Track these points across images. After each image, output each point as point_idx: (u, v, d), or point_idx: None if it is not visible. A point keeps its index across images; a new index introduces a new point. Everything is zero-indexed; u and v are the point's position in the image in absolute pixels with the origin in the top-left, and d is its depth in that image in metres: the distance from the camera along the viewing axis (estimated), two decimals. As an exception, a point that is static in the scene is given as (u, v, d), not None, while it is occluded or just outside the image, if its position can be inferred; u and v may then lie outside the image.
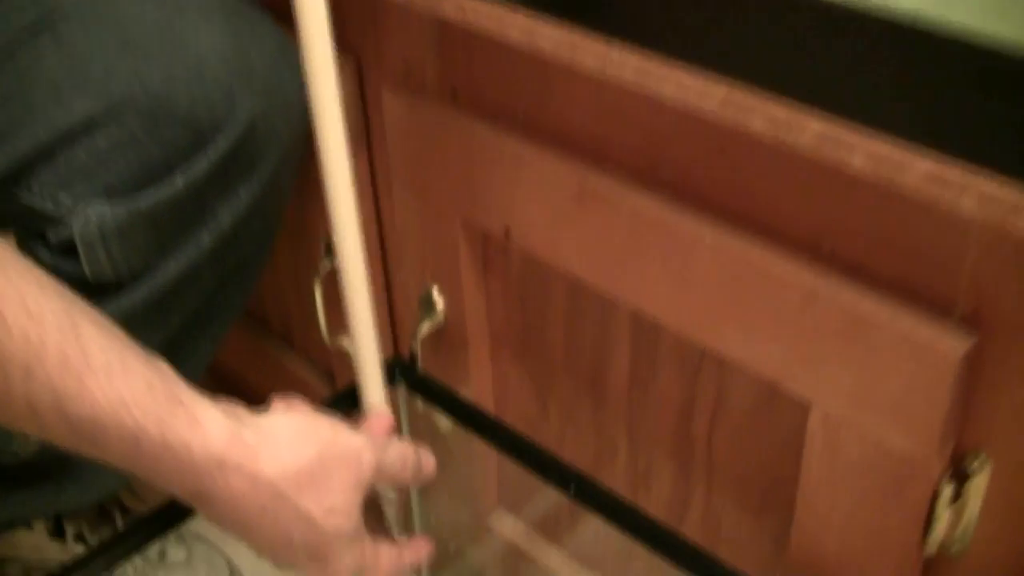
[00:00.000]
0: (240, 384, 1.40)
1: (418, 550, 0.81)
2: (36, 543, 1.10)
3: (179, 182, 0.78)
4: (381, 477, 0.71)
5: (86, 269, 0.78)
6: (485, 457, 0.99)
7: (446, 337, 0.93)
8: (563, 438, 0.91)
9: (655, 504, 0.86)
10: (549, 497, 0.97)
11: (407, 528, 1.08)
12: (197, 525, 1.07)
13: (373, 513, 0.75)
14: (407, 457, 0.75)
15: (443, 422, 0.97)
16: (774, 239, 0.66)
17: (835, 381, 0.66)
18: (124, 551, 0.82)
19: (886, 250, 0.62)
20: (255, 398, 1.42)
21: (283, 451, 0.64)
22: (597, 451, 0.89)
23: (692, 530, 0.85)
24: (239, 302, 0.94)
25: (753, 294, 0.67)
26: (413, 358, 0.92)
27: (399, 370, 0.93)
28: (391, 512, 0.94)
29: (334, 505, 0.66)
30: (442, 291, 0.91)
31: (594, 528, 0.95)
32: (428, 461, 0.78)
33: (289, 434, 0.66)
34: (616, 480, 0.88)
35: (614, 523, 0.81)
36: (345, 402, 0.88)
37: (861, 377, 0.64)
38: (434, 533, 1.09)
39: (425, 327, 0.92)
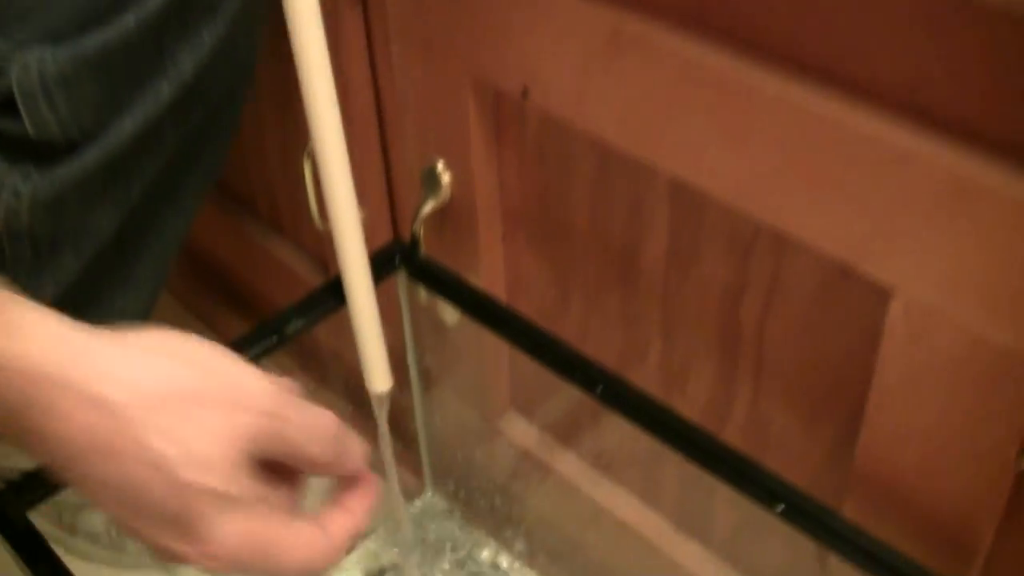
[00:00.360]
0: (224, 275, 1.29)
1: (355, 514, 0.56)
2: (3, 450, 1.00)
3: (131, 21, 0.66)
4: (277, 442, 0.50)
5: (28, 125, 0.67)
6: (496, 354, 0.88)
7: (452, 217, 0.81)
8: (586, 331, 0.80)
9: (692, 407, 0.76)
10: (568, 398, 0.87)
11: (408, 433, 0.98)
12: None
13: (284, 484, 0.53)
14: (321, 430, 0.52)
15: (449, 314, 0.86)
16: (856, 88, 0.54)
17: (926, 261, 0.54)
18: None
19: (998, 100, 0.50)
20: (239, 289, 1.32)
21: (139, 372, 0.47)
22: (626, 346, 0.78)
23: (734, 436, 0.74)
24: (209, 169, 0.82)
25: (826, 156, 0.56)
26: (415, 241, 0.81)
27: (399, 255, 0.81)
28: (381, 419, 0.84)
29: (201, 453, 0.47)
30: (448, 165, 0.80)
31: (618, 433, 0.84)
32: (354, 451, 0.56)
33: (153, 354, 0.48)
34: (647, 379, 0.78)
35: (645, 428, 0.71)
36: (333, 294, 0.77)
37: (959, 256, 0.53)
38: (438, 438, 0.99)
39: (429, 206, 0.80)
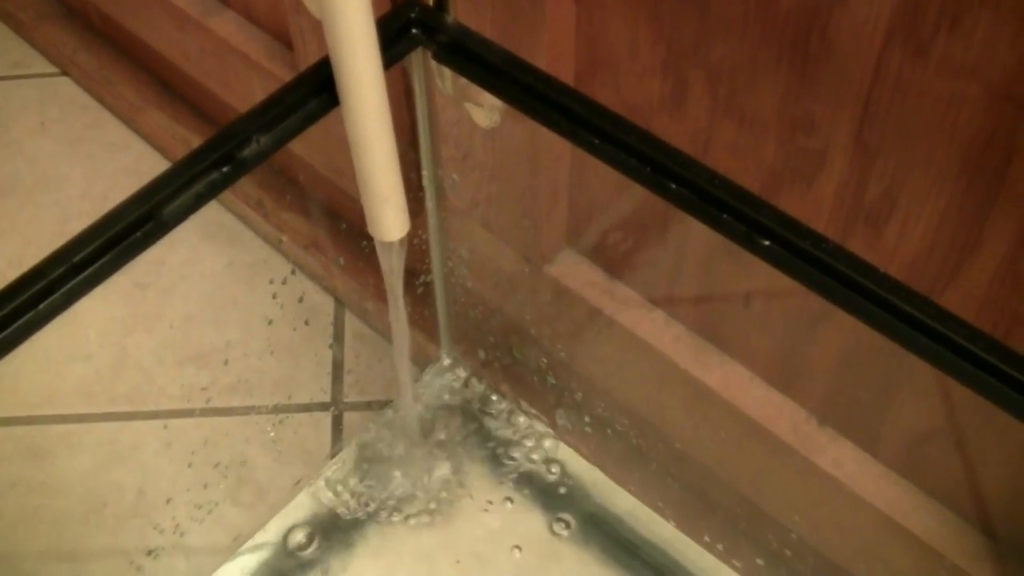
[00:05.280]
0: (157, 66, 0.99)
1: None
2: None
3: None
4: None
5: None
6: (553, 166, 0.60)
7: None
8: (710, 138, 0.52)
9: (889, 256, 0.49)
10: (661, 231, 0.60)
11: (420, 282, 0.71)
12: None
13: None
14: None
15: (484, 115, 0.57)
16: None
17: None
18: None
19: None
20: (170, 80, 1.01)
21: None
22: (780, 161, 0.50)
23: (961, 306, 0.47)
24: None
25: None
26: (442, 1, 0.51)
27: (418, 22, 0.51)
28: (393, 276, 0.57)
29: None
30: None
31: (738, 282, 0.58)
32: None
33: None
34: (811, 210, 0.50)
35: (811, 283, 0.43)
36: (306, 94, 0.48)
37: None
38: (460, 289, 0.72)
39: (461, -58, 0.50)
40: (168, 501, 0.77)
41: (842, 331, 0.54)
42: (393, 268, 0.56)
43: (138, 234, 0.44)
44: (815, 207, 0.50)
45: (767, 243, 0.43)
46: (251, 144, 0.46)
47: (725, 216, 0.44)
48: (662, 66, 0.51)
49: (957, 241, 0.46)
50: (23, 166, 1.02)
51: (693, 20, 0.48)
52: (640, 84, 0.53)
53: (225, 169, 0.46)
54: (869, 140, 0.45)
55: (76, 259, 0.43)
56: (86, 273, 0.43)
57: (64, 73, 1.08)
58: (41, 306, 0.42)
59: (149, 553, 0.75)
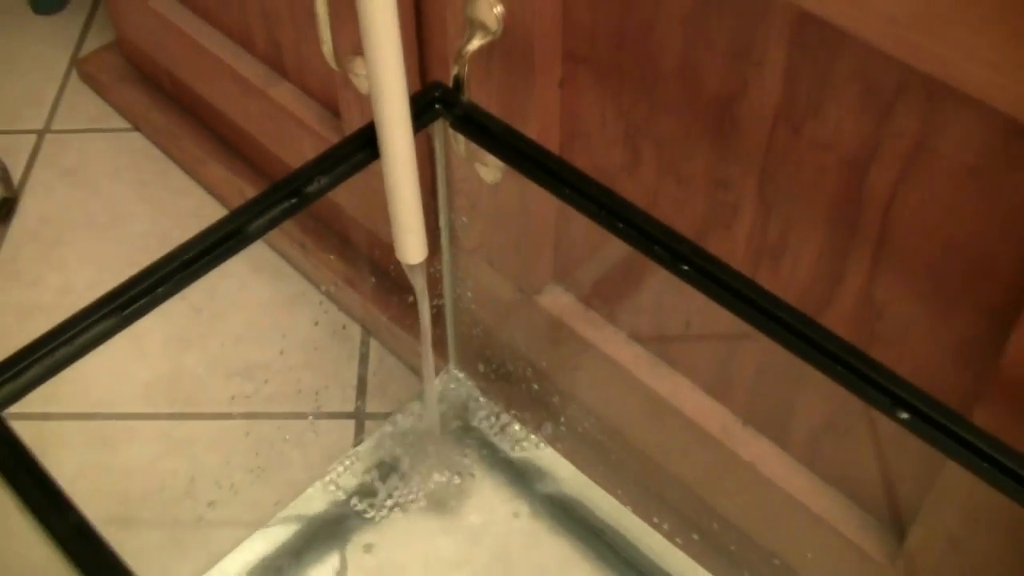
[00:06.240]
0: (219, 125, 1.16)
1: None
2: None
3: None
4: None
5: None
6: (542, 216, 0.77)
7: (501, 57, 0.68)
8: (657, 194, 0.68)
9: (785, 286, 0.65)
10: (623, 269, 0.76)
11: (432, 305, 0.87)
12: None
13: None
14: None
15: (488, 172, 0.74)
16: None
17: None
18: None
19: None
20: (230, 138, 1.18)
21: None
22: (707, 213, 0.66)
23: (835, 324, 0.63)
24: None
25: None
26: (459, 84, 0.68)
27: (440, 99, 0.68)
28: (420, 293, 0.73)
29: None
30: (499, -8, 0.66)
31: (682, 310, 0.74)
32: None
33: None
34: (730, 252, 0.66)
35: (724, 304, 0.59)
36: (355, 148, 0.65)
37: None
38: (466, 312, 0.88)
39: (475, 42, 0.67)
40: (218, 479, 0.93)
41: (756, 350, 0.70)
42: (418, 287, 0.72)
43: (230, 242, 0.60)
44: (733, 246, 0.66)
45: (685, 267, 0.59)
46: (313, 183, 0.63)
47: (656, 247, 0.60)
48: (623, 138, 0.68)
49: (830, 274, 0.62)
50: (99, 206, 1.19)
51: (644, 105, 0.65)
52: (607, 151, 0.69)
53: (294, 200, 0.62)
54: (767, 196, 0.62)
55: (186, 258, 0.59)
56: (191, 269, 0.59)
57: (136, 128, 1.26)
58: (159, 290, 0.58)
59: (209, 504, 0.90)
